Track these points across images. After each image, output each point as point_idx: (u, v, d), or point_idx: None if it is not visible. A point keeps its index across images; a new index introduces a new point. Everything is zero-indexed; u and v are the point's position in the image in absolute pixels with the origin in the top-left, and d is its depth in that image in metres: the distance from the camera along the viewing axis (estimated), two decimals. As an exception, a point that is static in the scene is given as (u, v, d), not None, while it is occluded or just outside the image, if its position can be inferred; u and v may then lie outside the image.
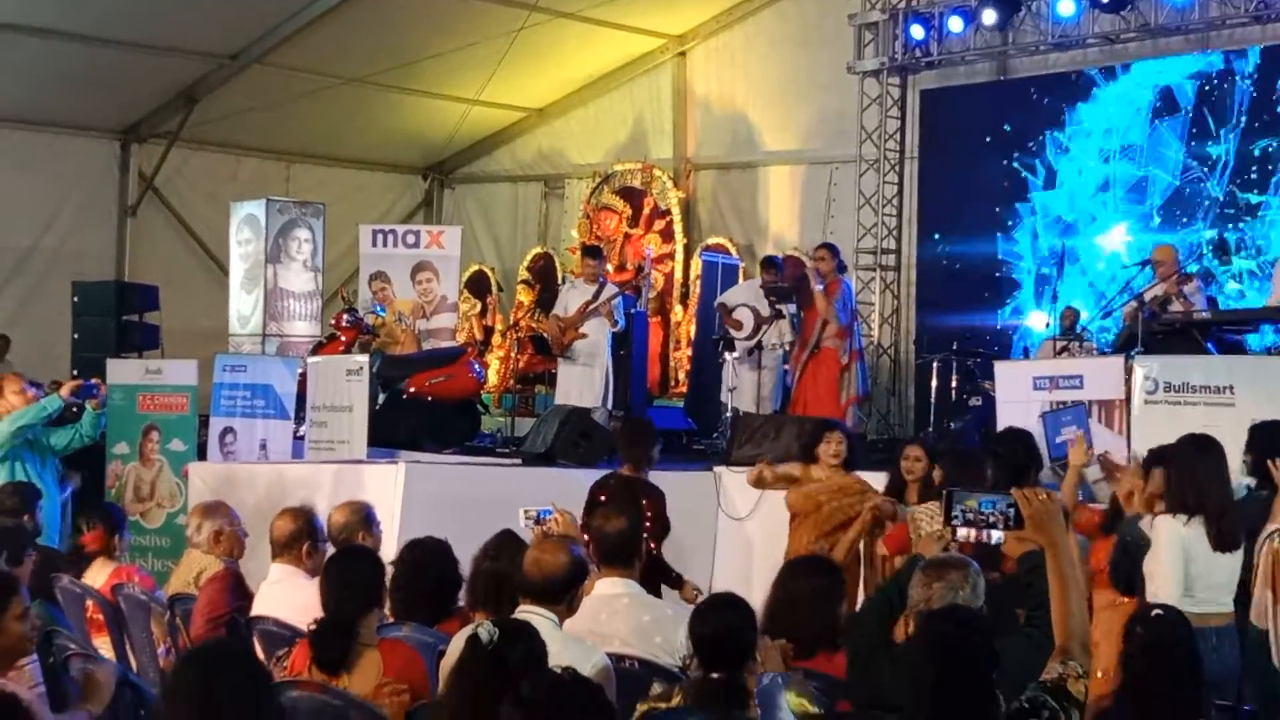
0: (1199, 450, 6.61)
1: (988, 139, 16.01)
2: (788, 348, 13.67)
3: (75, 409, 8.95)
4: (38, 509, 7.64)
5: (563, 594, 5.30)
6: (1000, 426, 9.83)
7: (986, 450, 8.37)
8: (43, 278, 18.13)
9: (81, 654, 5.64)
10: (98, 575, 7.53)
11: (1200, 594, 6.34)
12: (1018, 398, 10.19)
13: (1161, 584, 6.29)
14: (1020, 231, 15.73)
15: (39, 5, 15.67)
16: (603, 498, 8.28)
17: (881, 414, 16.20)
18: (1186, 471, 6.50)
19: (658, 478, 8.95)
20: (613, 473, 8.90)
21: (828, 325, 13.10)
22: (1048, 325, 13.73)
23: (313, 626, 5.21)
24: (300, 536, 6.54)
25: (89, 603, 7.32)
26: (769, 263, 14.44)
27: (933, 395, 14.41)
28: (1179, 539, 6.35)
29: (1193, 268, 12.32)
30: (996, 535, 4.47)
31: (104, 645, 7.05)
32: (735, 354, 13.18)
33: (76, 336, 15.88)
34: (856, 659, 5.04)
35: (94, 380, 9.20)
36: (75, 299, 16.03)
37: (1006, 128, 15.86)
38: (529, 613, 5.09)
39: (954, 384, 14.23)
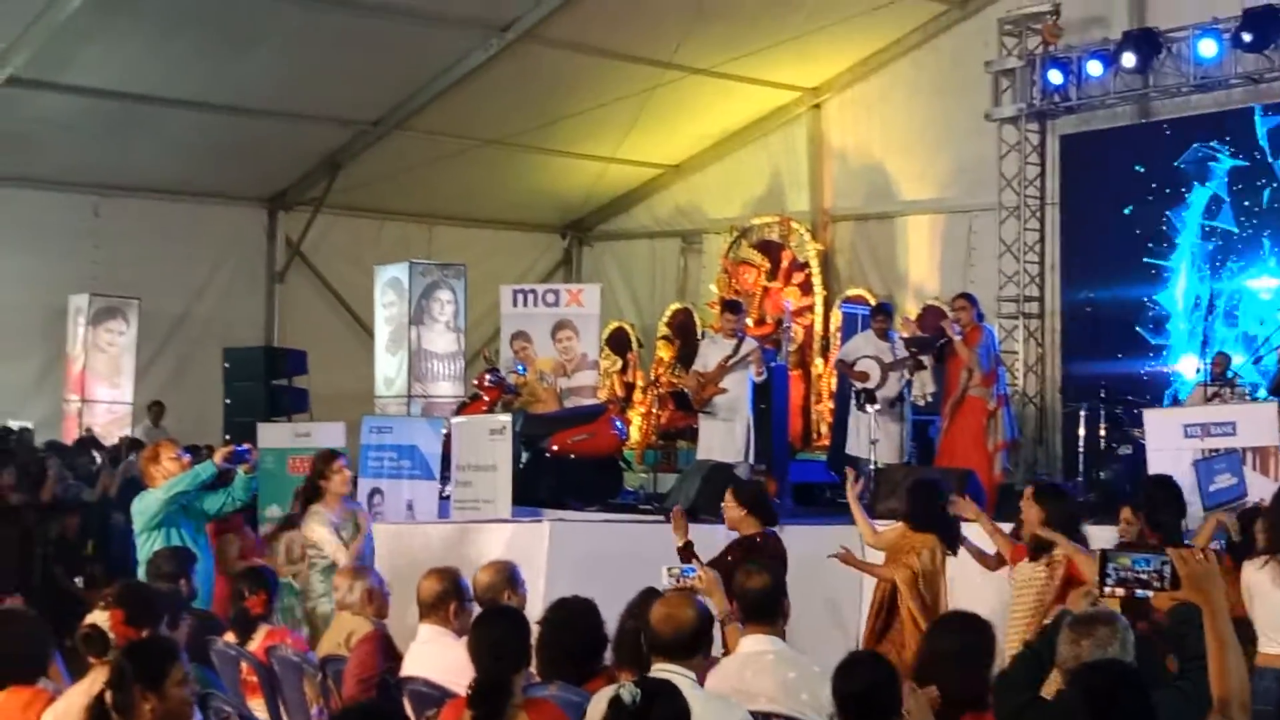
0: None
1: (1131, 183, 15.77)
2: (930, 399, 13.54)
3: (229, 474, 9.12)
4: (193, 573, 7.78)
5: (696, 648, 5.27)
6: (1152, 474, 9.67)
7: (1137, 502, 8.32)
8: (195, 344, 18.58)
9: (238, 716, 5.74)
10: (256, 638, 7.64)
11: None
12: (1168, 445, 10.03)
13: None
14: (1168, 276, 15.45)
15: (184, 78, 16.12)
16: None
17: (1029, 463, 15.96)
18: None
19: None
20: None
21: (973, 374, 12.95)
22: (1198, 371, 13.47)
23: (471, 688, 5.24)
24: (447, 597, 6.59)
25: (243, 665, 7.43)
26: (880, 309, 14.33)
27: (1080, 444, 14.19)
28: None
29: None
30: (1146, 593, 4.39)
31: (259, 707, 7.15)
32: (877, 406, 13.06)
33: (228, 402, 16.24)
34: (1007, 715, 4.95)
35: (246, 445, 9.36)
36: (226, 365, 16.40)
37: (1150, 171, 15.61)
38: (666, 671, 5.08)
39: (1102, 432, 14.00)
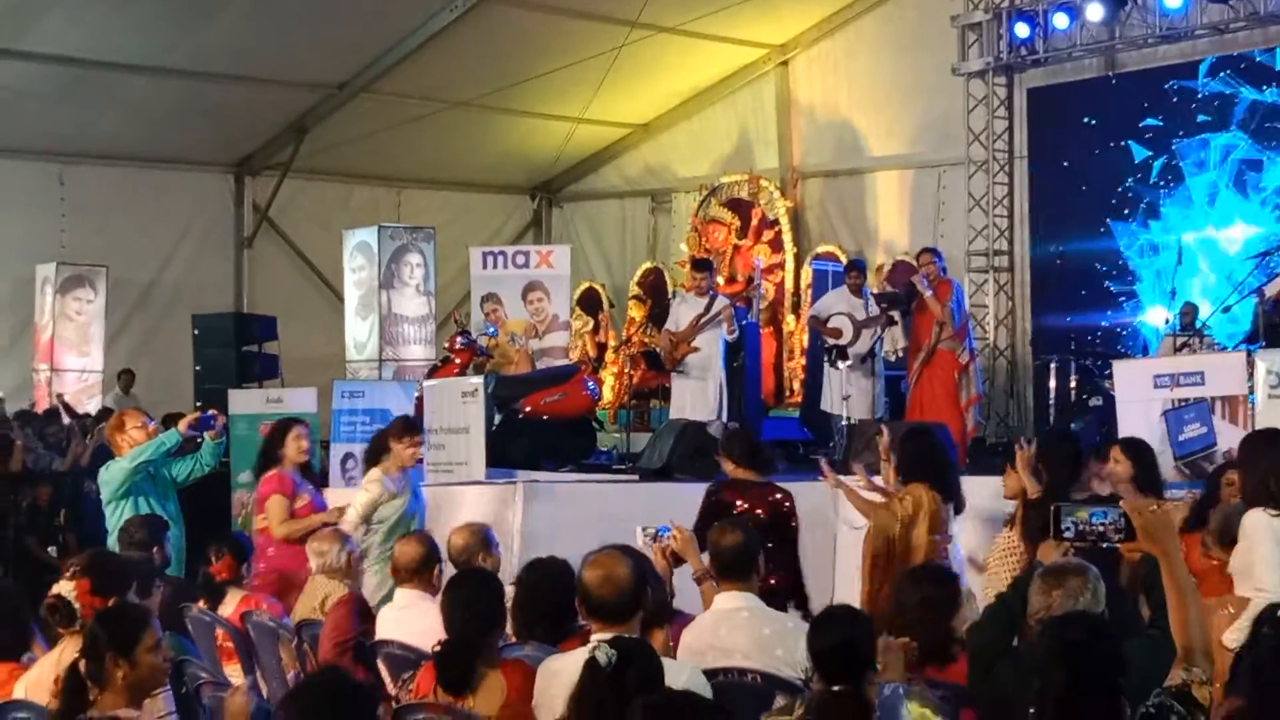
0: (1267, 444, 6.55)
1: (1098, 135, 15.81)
2: (901, 354, 13.58)
3: (197, 441, 9.10)
4: (166, 541, 7.76)
5: (635, 610, 5.11)
6: (1121, 425, 9.71)
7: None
8: (164, 312, 18.50)
9: (213, 682, 5.74)
10: (227, 604, 7.64)
11: None
12: (1138, 396, 10.06)
13: (1264, 575, 6.15)
14: (1136, 227, 15.50)
15: (148, 43, 16.00)
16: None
17: (1000, 416, 16.05)
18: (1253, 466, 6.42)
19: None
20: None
21: (944, 328, 13.00)
22: (1167, 322, 13.53)
23: (437, 648, 5.25)
24: (431, 562, 6.60)
25: (219, 631, 7.43)
26: (853, 265, 14.39)
27: (1051, 396, 14.27)
28: (1272, 530, 6.20)
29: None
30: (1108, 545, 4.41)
31: (234, 673, 7.15)
32: (848, 362, 13.09)
33: (198, 368, 16.20)
34: (978, 666, 4.99)
35: (211, 412, 9.34)
36: (196, 332, 16.34)
37: (1116, 123, 15.65)
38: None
39: (1073, 384, 14.09)
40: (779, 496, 8.19)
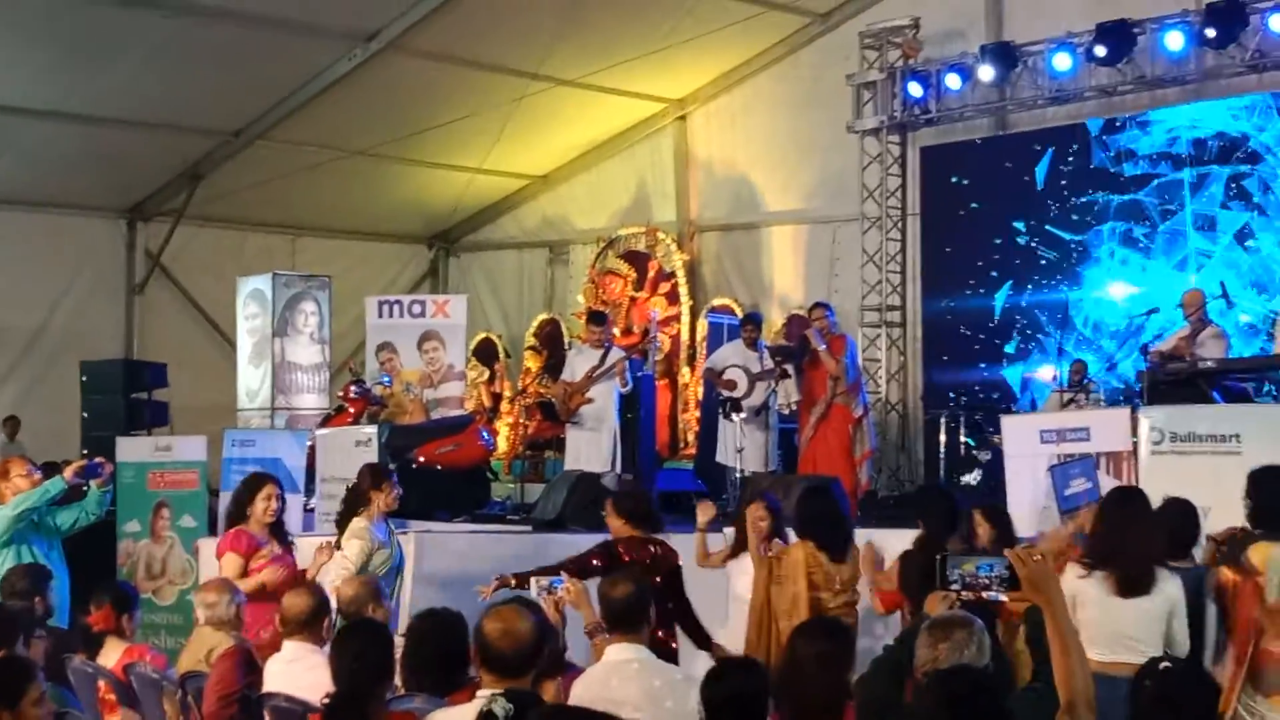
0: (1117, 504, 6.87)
1: (988, 194, 16.08)
2: (794, 407, 13.69)
3: (83, 489, 8.96)
4: (49, 590, 7.63)
5: (532, 665, 5.05)
6: (1010, 479, 9.85)
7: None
8: (52, 358, 18.19)
9: (93, 735, 5.64)
10: (109, 655, 7.50)
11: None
12: (1026, 451, 10.22)
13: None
14: (1025, 284, 15.75)
15: (40, 87, 15.80)
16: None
17: (892, 470, 16.19)
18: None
19: (672, 540, 8.87)
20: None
21: (838, 382, 13.16)
22: (1055, 378, 13.75)
23: (325, 701, 5.20)
24: (321, 613, 6.53)
25: (101, 683, 7.30)
26: (748, 319, 14.52)
27: (941, 450, 14.43)
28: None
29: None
30: (994, 596, 4.45)
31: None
32: (743, 415, 13.17)
33: (86, 415, 15.93)
34: (867, 718, 5.02)
35: (98, 460, 9.19)
36: (84, 378, 16.09)
37: (1005, 182, 15.92)
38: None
39: (962, 439, 14.29)
40: (664, 551, 8.20)
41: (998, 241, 15.97)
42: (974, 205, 16.20)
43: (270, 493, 8.86)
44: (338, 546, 8.65)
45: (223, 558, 8.75)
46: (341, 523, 8.92)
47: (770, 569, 8.41)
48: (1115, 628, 6.39)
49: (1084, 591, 6.41)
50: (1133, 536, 6.59)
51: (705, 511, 9.32)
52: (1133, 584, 6.43)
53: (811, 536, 8.41)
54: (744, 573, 8.82)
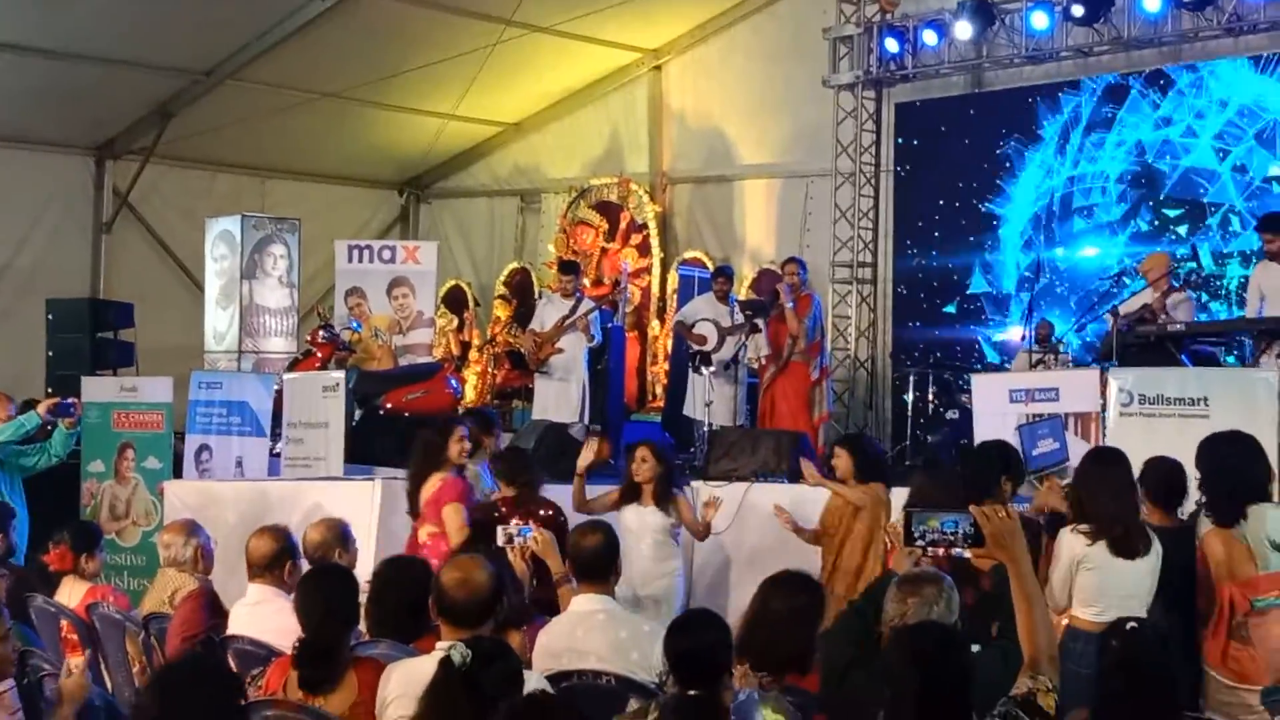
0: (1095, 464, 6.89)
1: (962, 151, 16.05)
2: (763, 361, 13.70)
3: (49, 427, 8.90)
4: (11, 528, 7.59)
5: (489, 615, 5.09)
6: (978, 438, 9.86)
7: (957, 466, 8.56)
8: (17, 296, 18.01)
9: (55, 674, 5.62)
10: (72, 594, 7.48)
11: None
12: (995, 410, 10.22)
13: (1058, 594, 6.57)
14: (996, 243, 15.76)
15: (10, 22, 15.60)
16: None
17: (859, 427, 16.20)
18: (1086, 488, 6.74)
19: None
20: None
21: (797, 341, 13.21)
22: (1024, 338, 13.78)
23: (296, 646, 5.18)
24: (283, 557, 6.51)
25: (63, 622, 7.28)
26: (720, 272, 14.53)
27: (909, 408, 14.45)
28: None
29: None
30: (959, 553, 4.45)
31: (78, 666, 7.00)
32: (712, 368, 13.17)
33: (51, 354, 15.82)
34: (832, 674, 5.03)
35: (71, 399, 9.15)
36: (49, 317, 15.96)
37: (981, 140, 15.90)
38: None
39: (931, 397, 14.29)
40: (551, 512, 8.20)
41: (970, 200, 15.96)
42: (947, 163, 16.16)
43: (463, 434, 8.56)
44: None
45: (445, 508, 8.26)
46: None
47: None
48: (1125, 590, 6.43)
49: (1091, 556, 6.45)
50: (1131, 499, 6.65)
51: (590, 451, 9.16)
52: (1136, 546, 6.48)
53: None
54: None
